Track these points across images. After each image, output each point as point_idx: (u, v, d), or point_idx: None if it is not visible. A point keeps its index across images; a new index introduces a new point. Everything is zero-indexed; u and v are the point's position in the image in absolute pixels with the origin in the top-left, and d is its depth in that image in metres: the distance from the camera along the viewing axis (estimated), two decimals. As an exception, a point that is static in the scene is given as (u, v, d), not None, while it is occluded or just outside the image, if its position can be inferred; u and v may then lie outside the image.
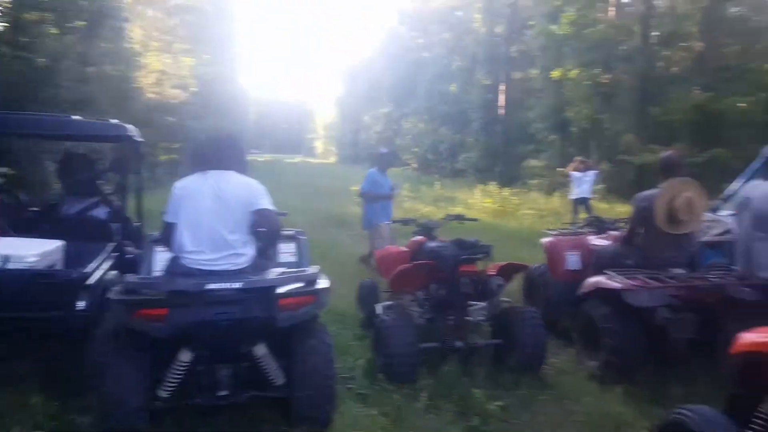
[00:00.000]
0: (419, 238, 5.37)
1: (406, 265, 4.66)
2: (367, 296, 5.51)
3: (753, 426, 2.60)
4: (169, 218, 3.33)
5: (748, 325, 2.79)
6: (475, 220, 6.48)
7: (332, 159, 61.60)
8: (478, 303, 4.70)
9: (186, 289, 3.00)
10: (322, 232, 11.70)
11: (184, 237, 3.23)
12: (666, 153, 5.02)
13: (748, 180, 5.43)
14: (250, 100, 51.16)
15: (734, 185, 5.87)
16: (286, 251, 4.39)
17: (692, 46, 21.98)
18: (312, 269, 3.33)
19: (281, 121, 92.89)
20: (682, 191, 4.38)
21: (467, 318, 4.55)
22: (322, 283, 3.23)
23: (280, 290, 3.13)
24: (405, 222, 5.95)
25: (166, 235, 3.38)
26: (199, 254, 3.21)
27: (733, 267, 4.55)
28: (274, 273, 3.29)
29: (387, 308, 4.72)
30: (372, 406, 3.68)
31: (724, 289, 4.11)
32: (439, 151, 36.27)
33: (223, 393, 3.19)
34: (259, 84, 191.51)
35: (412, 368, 4.05)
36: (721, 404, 2.86)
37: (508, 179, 25.44)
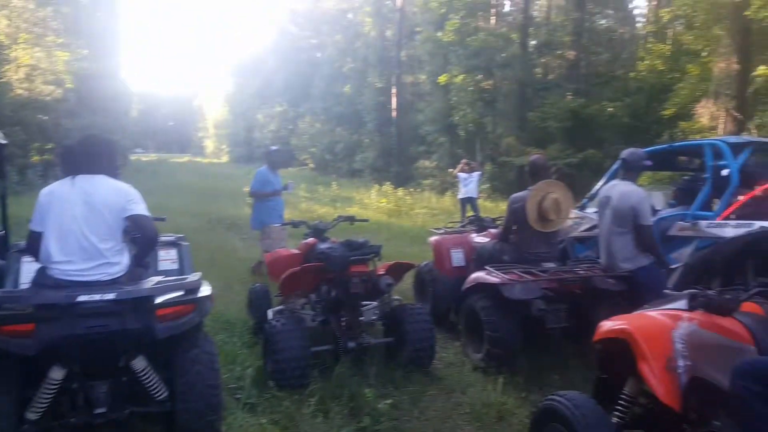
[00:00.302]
0: (310, 240, 5.37)
1: (295, 268, 4.62)
2: (258, 302, 5.38)
3: (618, 407, 2.89)
4: (35, 226, 3.10)
5: (612, 313, 3.07)
6: (365, 220, 6.58)
7: (224, 158, 59.56)
8: (370, 303, 4.80)
9: (55, 301, 2.80)
10: (212, 235, 11.32)
11: (52, 246, 3.01)
12: (533, 157, 5.38)
13: (608, 180, 5.95)
14: (132, 96, 48.04)
15: (598, 184, 6.41)
16: (166, 258, 4.18)
17: (566, 54, 23.71)
18: (193, 276, 3.22)
19: (168, 119, 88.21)
20: (550, 192, 4.77)
21: (359, 318, 4.62)
22: (204, 290, 3.11)
23: (158, 300, 2.99)
24: (295, 224, 5.90)
25: (33, 245, 3.13)
26: (68, 264, 3.01)
27: (598, 260, 4.97)
28: (150, 282, 3.12)
29: (278, 313, 4.68)
30: (261, 415, 3.63)
31: (590, 281, 4.49)
32: (336, 151, 36.36)
33: (101, 410, 3.00)
34: (144, 79, 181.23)
35: (303, 373, 4.03)
36: (590, 389, 3.15)
37: (403, 179, 26.08)
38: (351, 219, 6.03)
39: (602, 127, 20.18)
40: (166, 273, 3.81)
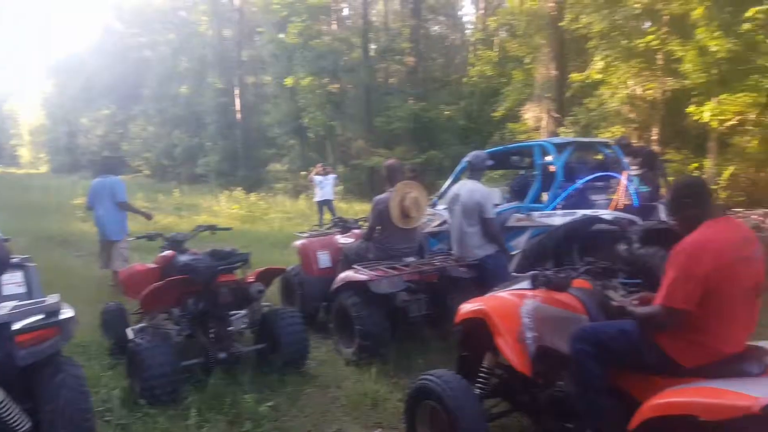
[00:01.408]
0: (168, 252, 5.18)
1: (159, 282, 4.44)
2: (113, 321, 5.07)
3: (479, 379, 3.27)
4: None
5: (466, 298, 3.46)
6: (228, 229, 6.49)
7: (43, 168, 53.38)
8: (238, 311, 4.79)
9: None
10: (44, 255, 10.20)
11: None
12: (387, 162, 5.74)
13: (455, 179, 6.53)
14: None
15: (446, 184, 7.00)
16: (11, 282, 3.83)
17: (405, 60, 24.92)
18: (51, 298, 3.03)
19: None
20: (409, 192, 5.16)
21: (229, 328, 4.58)
22: (66, 312, 2.96)
23: (16, 326, 2.81)
24: (151, 237, 5.63)
25: None
26: None
27: (451, 252, 5.46)
28: (5, 308, 2.90)
29: (140, 331, 4.45)
30: (137, 434, 3.51)
31: (446, 271, 4.94)
32: (175, 155, 34.48)
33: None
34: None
35: (174, 388, 3.91)
36: (454, 366, 3.51)
37: (253, 184, 25.58)
38: (212, 228, 5.88)
39: (441, 130, 21.58)
40: (12, 297, 3.49)
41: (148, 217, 8.08)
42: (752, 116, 10.13)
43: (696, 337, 2.41)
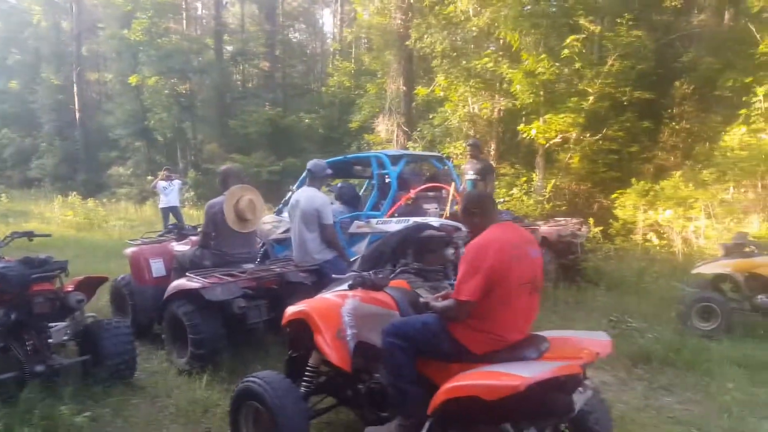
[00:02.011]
0: (-22, 261, 4.75)
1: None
2: None
3: (305, 378, 3.41)
4: None
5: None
6: (47, 235, 6.00)
7: None
8: (60, 323, 4.50)
9: None
10: None
11: None
12: (223, 168, 5.77)
13: (298, 186, 6.65)
14: None
15: (290, 192, 7.09)
16: None
17: (261, 65, 24.66)
18: None
19: None
20: (244, 195, 5.21)
21: (48, 340, 4.30)
22: None
23: None
24: None
25: None
26: None
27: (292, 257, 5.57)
28: None
29: (-59, 346, 4.05)
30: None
31: (284, 276, 5.05)
32: (4, 157, 30.89)
33: None
34: None
35: (-19, 406, 3.63)
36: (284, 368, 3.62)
37: (94, 188, 23.71)
38: (29, 234, 5.42)
39: (301, 137, 21.63)
40: None
41: None
42: (573, 135, 11.43)
43: (484, 326, 2.75)
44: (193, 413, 3.96)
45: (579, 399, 2.58)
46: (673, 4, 12.77)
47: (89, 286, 4.56)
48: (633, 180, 11.00)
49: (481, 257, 2.69)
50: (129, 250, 5.82)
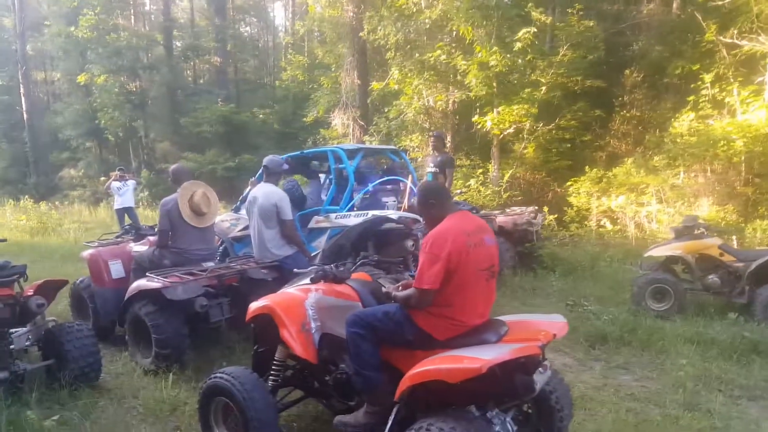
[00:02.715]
0: (-69, 270, 4.64)
1: None
2: None
3: (272, 372, 3.49)
4: None
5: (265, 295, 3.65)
6: (3, 240, 5.89)
7: None
8: (21, 328, 4.46)
9: None
10: None
11: None
12: (173, 167, 5.76)
13: (256, 182, 6.66)
14: None
15: (247, 189, 7.10)
16: None
17: (213, 60, 24.24)
18: None
19: None
20: (197, 189, 5.27)
21: (10, 346, 4.26)
22: None
23: None
24: None
25: None
26: None
27: (252, 255, 5.61)
28: None
29: None
30: None
31: (246, 273, 5.09)
32: (-53, 161, 29.56)
33: None
34: None
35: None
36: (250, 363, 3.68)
37: (46, 191, 22.99)
38: None
39: (256, 133, 21.41)
40: None
41: None
42: (527, 125, 11.70)
43: (444, 312, 2.85)
44: (161, 412, 3.99)
45: (539, 379, 2.70)
46: (623, -7, 13.18)
47: (49, 290, 4.51)
48: (586, 168, 11.35)
49: (440, 246, 2.79)
50: (86, 253, 5.74)
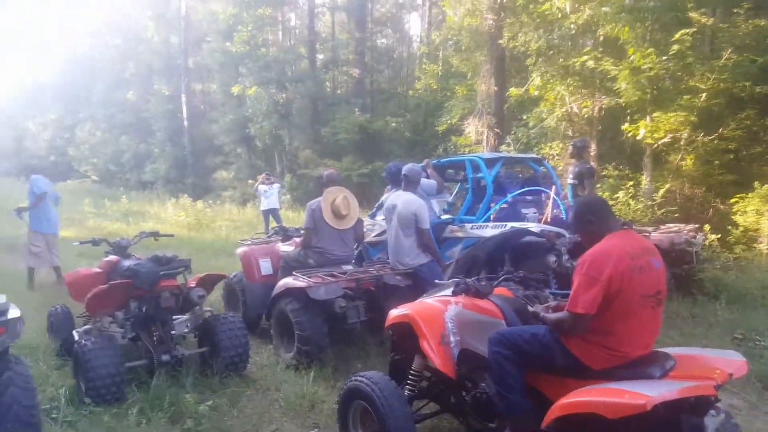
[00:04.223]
0: (112, 257, 5.29)
1: (103, 286, 4.55)
2: (59, 324, 5.19)
3: (409, 381, 3.49)
4: None
5: (401, 303, 3.68)
6: (171, 235, 6.55)
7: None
8: (181, 316, 4.91)
9: None
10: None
11: None
12: (327, 171, 6.07)
13: (391, 190, 6.72)
14: None
15: (384, 196, 7.20)
16: None
17: (351, 71, 25.14)
18: None
19: None
20: (339, 194, 5.51)
21: (171, 332, 4.71)
22: (13, 312, 3.06)
23: None
24: (96, 242, 5.70)
25: None
26: None
27: (388, 260, 5.68)
28: None
29: (85, 333, 4.57)
30: (82, 431, 3.62)
31: (382, 278, 5.18)
32: (122, 161, 33.76)
33: None
34: None
35: (118, 388, 4.05)
36: (387, 369, 3.72)
37: (201, 191, 25.24)
38: (155, 234, 6.01)
39: (388, 141, 21.84)
40: None
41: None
42: (685, 134, 10.74)
43: (603, 341, 2.63)
44: (301, 408, 4.16)
45: (711, 423, 2.40)
46: (798, -13, 11.62)
47: (209, 282, 4.94)
48: (755, 183, 10.07)
49: (598, 268, 2.58)
50: (240, 250, 6.21)
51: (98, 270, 5.23)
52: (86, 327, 4.72)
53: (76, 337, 4.49)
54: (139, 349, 4.71)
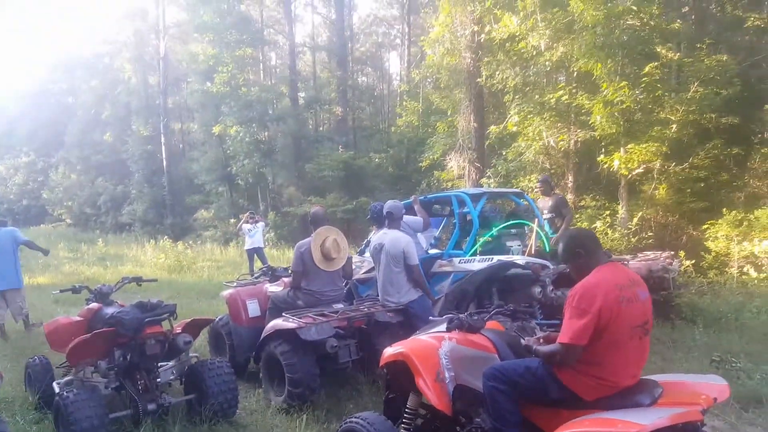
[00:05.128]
0: (93, 305, 5.15)
1: (85, 335, 4.43)
2: (38, 375, 4.98)
3: (404, 420, 3.45)
4: None
5: (393, 341, 3.66)
6: (154, 280, 6.45)
7: (-42, 218, 49.74)
8: (167, 363, 4.79)
9: None
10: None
11: None
12: (314, 209, 5.99)
13: (376, 229, 6.74)
14: None
15: (371, 234, 7.21)
16: None
17: (334, 109, 25.45)
18: None
19: None
20: (329, 235, 5.44)
21: (157, 380, 4.59)
22: None
23: None
24: (75, 290, 5.56)
25: None
26: None
27: (378, 297, 5.66)
28: None
29: (66, 384, 4.43)
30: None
31: (373, 316, 5.15)
32: (98, 204, 33.39)
33: None
34: None
35: (104, 441, 3.90)
36: (381, 408, 3.68)
37: (181, 232, 25.04)
38: (138, 280, 5.90)
39: (371, 177, 22.02)
40: None
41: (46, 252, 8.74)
42: (657, 164, 11.02)
43: (593, 372, 2.67)
44: (295, 453, 4.07)
45: (698, 445, 2.45)
46: (755, 23, 12.22)
47: (195, 327, 4.84)
48: (724, 210, 10.41)
49: (589, 301, 2.63)
50: (226, 292, 6.12)
51: (78, 318, 5.09)
52: (67, 378, 4.58)
53: (57, 389, 4.36)
54: (123, 398, 4.56)
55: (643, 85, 10.29)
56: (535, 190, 12.80)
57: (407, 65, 28.46)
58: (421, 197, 7.48)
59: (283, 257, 15.48)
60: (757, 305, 7.89)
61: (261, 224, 13.49)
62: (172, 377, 4.78)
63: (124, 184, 31.82)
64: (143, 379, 4.50)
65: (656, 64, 10.16)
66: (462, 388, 3.24)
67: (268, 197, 23.44)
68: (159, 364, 4.74)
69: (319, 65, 29.70)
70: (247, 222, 13.15)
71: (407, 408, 3.47)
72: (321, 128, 27.90)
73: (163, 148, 28.62)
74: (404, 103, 24.70)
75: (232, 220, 21.48)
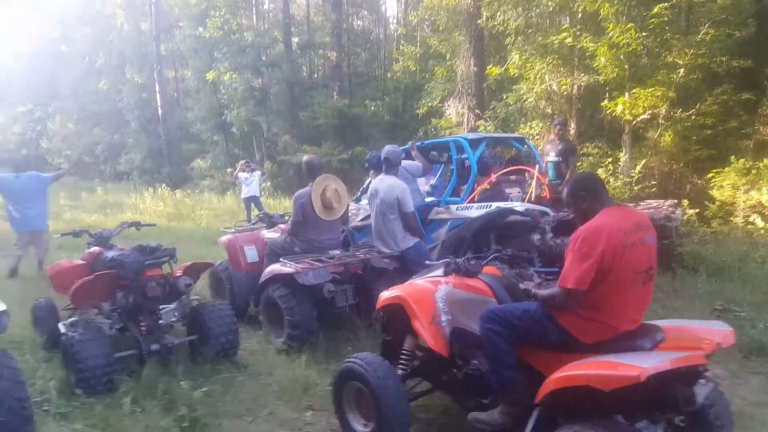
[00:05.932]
0: (95, 249, 5.22)
1: (87, 277, 4.50)
2: (44, 317, 5.11)
3: (401, 361, 3.52)
4: None
5: (389, 287, 3.70)
6: (152, 225, 6.48)
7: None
8: (168, 305, 4.87)
9: None
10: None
11: None
12: (308, 157, 5.83)
13: (374, 174, 6.70)
14: None
15: (368, 180, 7.17)
16: None
17: (328, 54, 24.81)
18: None
19: None
20: (329, 184, 5.40)
21: (159, 321, 4.68)
22: None
23: None
24: (76, 234, 5.62)
25: None
26: None
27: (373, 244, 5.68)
28: None
29: (72, 324, 4.54)
30: (75, 422, 3.59)
31: (369, 262, 5.21)
32: (96, 153, 33.11)
33: None
34: None
35: (109, 379, 4.02)
36: (378, 350, 3.75)
37: (178, 180, 24.87)
38: (137, 224, 5.94)
39: (367, 125, 21.68)
40: None
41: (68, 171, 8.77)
42: (663, 110, 10.80)
43: (594, 316, 2.65)
44: (295, 391, 4.17)
45: (701, 392, 2.46)
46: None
47: (195, 271, 4.90)
48: (731, 158, 10.20)
49: (591, 244, 2.57)
50: (224, 238, 6.16)
51: (81, 262, 5.16)
52: (72, 319, 4.67)
53: (63, 330, 4.45)
54: (127, 339, 4.66)
55: (650, 27, 9.97)
56: (536, 136, 12.68)
57: (404, 7, 27.67)
58: (418, 143, 7.39)
59: (280, 206, 15.46)
60: (762, 255, 7.75)
61: (257, 173, 13.42)
62: (174, 319, 4.87)
63: (120, 132, 31.42)
64: (146, 320, 4.59)
65: (666, 5, 9.79)
66: (459, 330, 3.29)
67: (264, 146, 23.17)
68: (161, 306, 4.83)
69: (313, 8, 28.79)
70: (243, 171, 13.08)
71: (404, 350, 3.54)
72: (315, 75, 27.31)
73: (158, 96, 28.06)
74: (401, 47, 24.10)
75: (228, 170, 21.29)
